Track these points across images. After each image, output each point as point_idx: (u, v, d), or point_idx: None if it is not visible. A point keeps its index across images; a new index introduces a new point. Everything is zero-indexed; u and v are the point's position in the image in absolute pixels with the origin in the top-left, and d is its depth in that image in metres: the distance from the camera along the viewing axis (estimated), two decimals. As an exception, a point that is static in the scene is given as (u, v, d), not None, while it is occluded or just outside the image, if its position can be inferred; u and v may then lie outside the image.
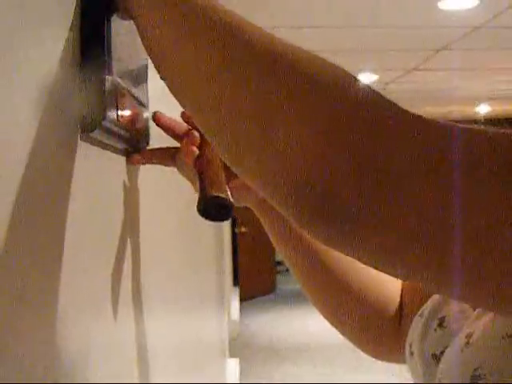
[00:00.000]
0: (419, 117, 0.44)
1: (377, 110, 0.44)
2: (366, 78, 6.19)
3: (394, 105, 0.45)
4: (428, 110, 9.51)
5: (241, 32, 0.47)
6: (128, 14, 0.53)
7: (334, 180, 0.42)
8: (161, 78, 0.52)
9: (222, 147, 0.49)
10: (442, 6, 3.79)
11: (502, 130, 0.43)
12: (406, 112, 0.44)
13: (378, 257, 0.44)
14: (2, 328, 0.36)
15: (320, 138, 0.42)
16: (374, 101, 0.44)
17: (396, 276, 0.51)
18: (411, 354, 0.71)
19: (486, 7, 3.84)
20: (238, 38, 0.47)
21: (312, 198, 0.42)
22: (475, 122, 10.94)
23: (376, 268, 0.46)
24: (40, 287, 0.43)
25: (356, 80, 0.45)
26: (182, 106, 0.51)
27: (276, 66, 0.46)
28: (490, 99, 8.42)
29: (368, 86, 0.45)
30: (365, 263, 0.46)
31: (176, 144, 0.76)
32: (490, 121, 11.05)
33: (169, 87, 0.51)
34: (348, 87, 0.45)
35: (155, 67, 0.52)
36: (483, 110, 9.62)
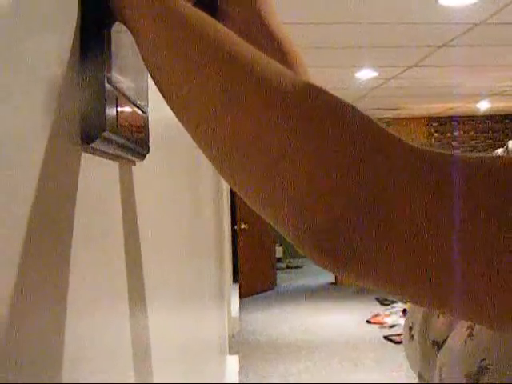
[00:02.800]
0: (419, 150, 0.43)
1: (377, 146, 0.43)
2: (366, 75, 6.19)
3: (393, 137, 0.43)
4: (428, 107, 9.52)
5: (240, 57, 0.47)
6: (126, 27, 0.53)
7: (336, 218, 0.41)
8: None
9: (220, 170, 0.49)
10: (442, 2, 3.79)
11: (496, 156, 0.43)
12: (408, 146, 0.43)
13: (379, 286, 0.44)
14: (1, 328, 0.36)
15: (318, 172, 0.42)
16: (373, 138, 0.43)
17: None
18: (411, 337, 0.70)
19: (486, 4, 3.84)
20: (238, 64, 0.47)
21: (313, 235, 0.42)
22: (476, 118, 10.95)
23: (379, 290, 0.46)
24: (41, 288, 0.43)
25: (355, 112, 0.45)
26: (180, 121, 0.51)
27: (278, 99, 0.45)
28: (490, 96, 8.43)
29: (367, 118, 0.44)
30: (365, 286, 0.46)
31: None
32: (491, 117, 11.06)
33: (165, 100, 0.51)
34: (349, 122, 0.44)
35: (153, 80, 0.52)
36: (484, 106, 9.63)
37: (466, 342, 0.59)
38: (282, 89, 0.45)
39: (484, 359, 0.55)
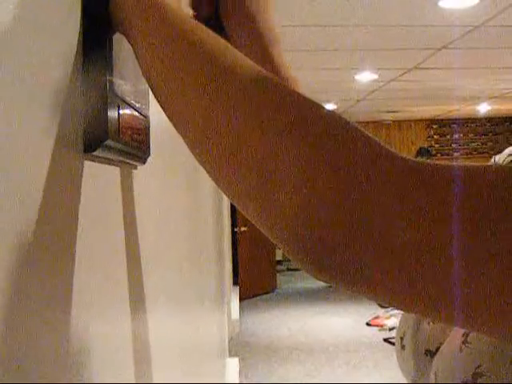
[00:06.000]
0: (414, 163, 0.42)
1: (369, 161, 0.42)
2: (366, 77, 6.19)
3: (385, 150, 0.42)
4: (428, 109, 9.52)
5: (234, 69, 0.47)
6: (125, 38, 0.54)
7: (332, 235, 0.41)
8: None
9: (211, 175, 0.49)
10: (442, 4, 3.80)
11: (498, 165, 0.41)
12: (401, 160, 0.42)
13: (377, 300, 0.44)
14: (2, 328, 0.36)
15: (311, 188, 0.41)
16: (365, 153, 0.42)
17: None
18: (402, 347, 0.70)
19: (486, 6, 3.84)
20: (232, 75, 0.47)
21: (309, 251, 0.42)
22: (476, 120, 10.95)
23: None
24: (43, 291, 0.43)
25: (349, 128, 0.44)
26: (175, 127, 0.52)
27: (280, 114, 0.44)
28: (490, 98, 8.43)
29: (361, 134, 0.43)
30: None
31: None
32: (491, 120, 11.06)
33: (161, 108, 0.51)
34: (343, 136, 0.43)
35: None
36: (483, 108, 9.63)
37: (461, 349, 0.59)
38: (279, 106, 0.45)
39: (479, 366, 0.55)
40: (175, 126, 0.50)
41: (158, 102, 0.52)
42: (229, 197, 0.49)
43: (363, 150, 0.42)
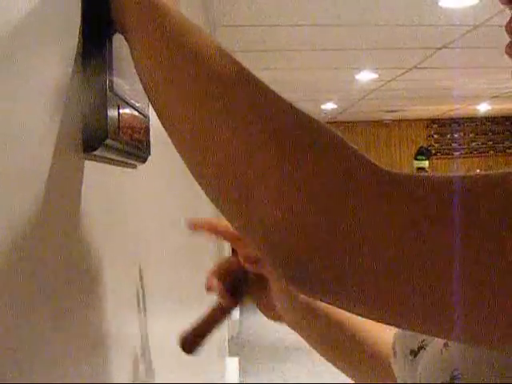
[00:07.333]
0: (398, 176, 0.41)
1: (350, 174, 0.41)
2: (366, 77, 6.19)
3: (370, 164, 0.41)
4: (428, 109, 9.52)
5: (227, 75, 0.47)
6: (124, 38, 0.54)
7: (306, 248, 0.40)
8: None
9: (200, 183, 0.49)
10: (442, 4, 3.79)
11: (499, 172, 0.40)
12: (384, 172, 0.41)
13: (358, 312, 0.44)
14: (3, 329, 0.36)
15: (294, 201, 0.41)
16: (354, 169, 0.41)
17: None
18: (394, 354, 0.70)
19: (486, 5, 3.84)
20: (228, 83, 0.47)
21: (285, 264, 0.42)
22: (476, 120, 10.95)
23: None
24: (42, 290, 0.43)
25: (334, 140, 0.43)
26: (166, 131, 0.52)
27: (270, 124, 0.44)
28: (490, 97, 8.42)
29: (346, 147, 0.42)
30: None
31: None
32: (491, 119, 11.06)
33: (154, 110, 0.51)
34: (337, 156, 0.42)
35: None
36: (484, 108, 9.63)
37: (441, 352, 0.59)
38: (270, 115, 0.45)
39: (456, 369, 0.55)
40: (163, 126, 0.51)
41: (150, 102, 0.52)
42: (211, 201, 0.48)
43: (344, 163, 0.42)
